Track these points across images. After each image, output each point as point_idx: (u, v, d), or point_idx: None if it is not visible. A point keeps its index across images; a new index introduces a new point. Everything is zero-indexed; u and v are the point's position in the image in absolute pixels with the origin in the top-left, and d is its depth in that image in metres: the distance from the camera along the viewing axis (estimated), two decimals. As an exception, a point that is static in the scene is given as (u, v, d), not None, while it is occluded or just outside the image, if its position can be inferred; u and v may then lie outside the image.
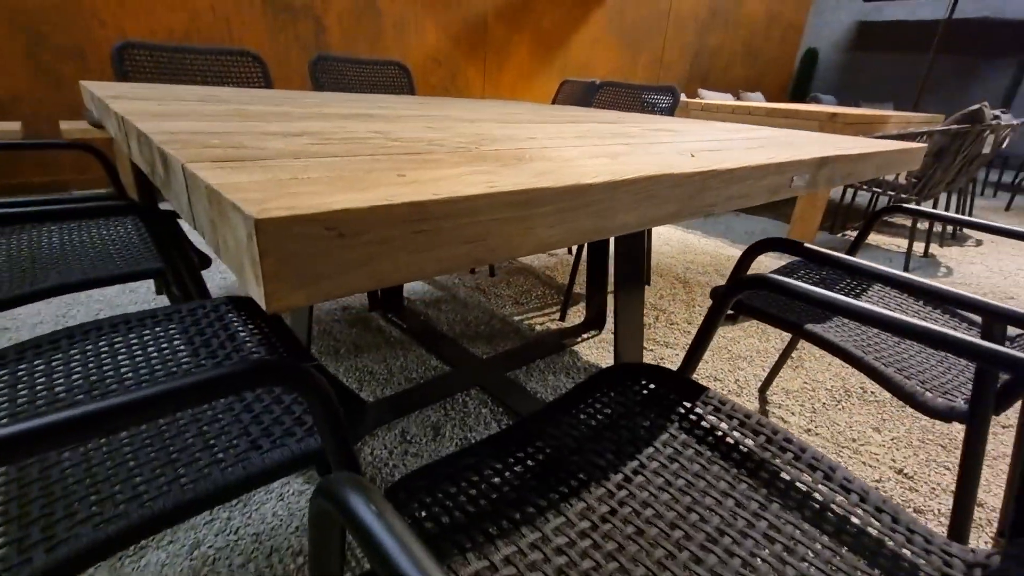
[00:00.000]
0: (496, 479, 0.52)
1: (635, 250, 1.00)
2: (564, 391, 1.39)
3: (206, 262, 1.02)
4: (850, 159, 0.82)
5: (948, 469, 1.22)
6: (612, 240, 2.73)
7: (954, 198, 4.01)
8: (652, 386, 0.69)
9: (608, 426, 0.62)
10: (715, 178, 0.55)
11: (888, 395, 1.49)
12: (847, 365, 1.63)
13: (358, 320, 1.70)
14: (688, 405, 0.66)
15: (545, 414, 0.63)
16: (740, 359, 1.64)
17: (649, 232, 2.10)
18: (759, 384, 1.50)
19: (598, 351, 1.61)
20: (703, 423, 0.63)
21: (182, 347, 0.68)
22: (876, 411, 1.42)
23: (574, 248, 2.55)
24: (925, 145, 1.11)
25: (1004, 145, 2.90)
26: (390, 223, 0.30)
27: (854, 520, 0.51)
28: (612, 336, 1.71)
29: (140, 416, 0.35)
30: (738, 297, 0.74)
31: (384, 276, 0.32)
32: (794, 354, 1.68)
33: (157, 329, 0.71)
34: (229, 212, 0.29)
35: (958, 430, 1.36)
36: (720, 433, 0.61)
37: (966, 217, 1.03)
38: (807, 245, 0.76)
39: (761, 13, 6.69)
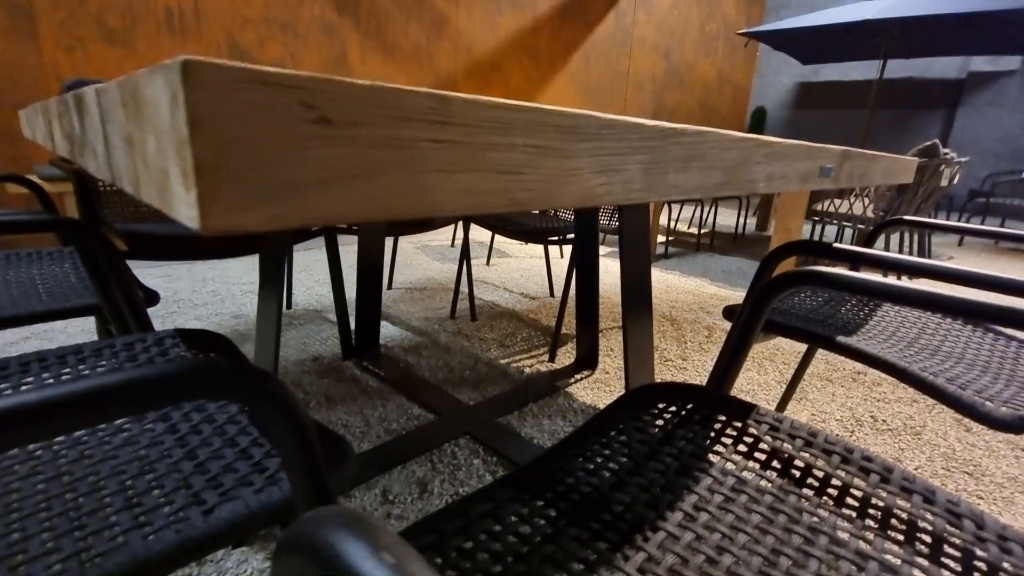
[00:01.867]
0: (524, 528, 0.40)
1: (642, 274, 0.92)
2: (563, 435, 1.26)
3: (153, 299, 0.88)
4: (865, 157, 0.77)
5: (981, 499, 1.13)
6: (601, 263, 2.64)
7: (915, 235, 4.16)
8: (690, 406, 0.59)
9: (649, 455, 0.50)
10: (759, 148, 0.47)
11: (901, 423, 1.42)
12: (851, 395, 1.56)
13: (330, 370, 1.54)
14: (739, 425, 0.55)
15: (570, 445, 0.51)
16: (741, 394, 1.54)
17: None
18: (767, 418, 1.40)
19: (593, 391, 1.49)
20: (762, 445, 0.52)
21: (111, 386, 0.55)
22: (892, 440, 1.33)
23: (558, 289, 2.47)
24: (918, 159, 1.09)
25: (955, 181, 3.04)
26: (400, 116, 0.20)
27: (979, 554, 0.40)
28: (606, 376, 1.60)
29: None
30: (779, 298, 0.65)
31: (389, 202, 0.21)
32: (798, 385, 1.60)
33: (81, 368, 0.57)
34: (146, 88, 0.19)
35: (981, 455, 1.28)
36: (786, 456, 0.50)
37: (969, 225, 1.00)
38: (837, 245, 0.68)
39: (713, 74, 7.15)
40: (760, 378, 1.65)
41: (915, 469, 1.22)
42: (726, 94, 7.53)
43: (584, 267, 1.56)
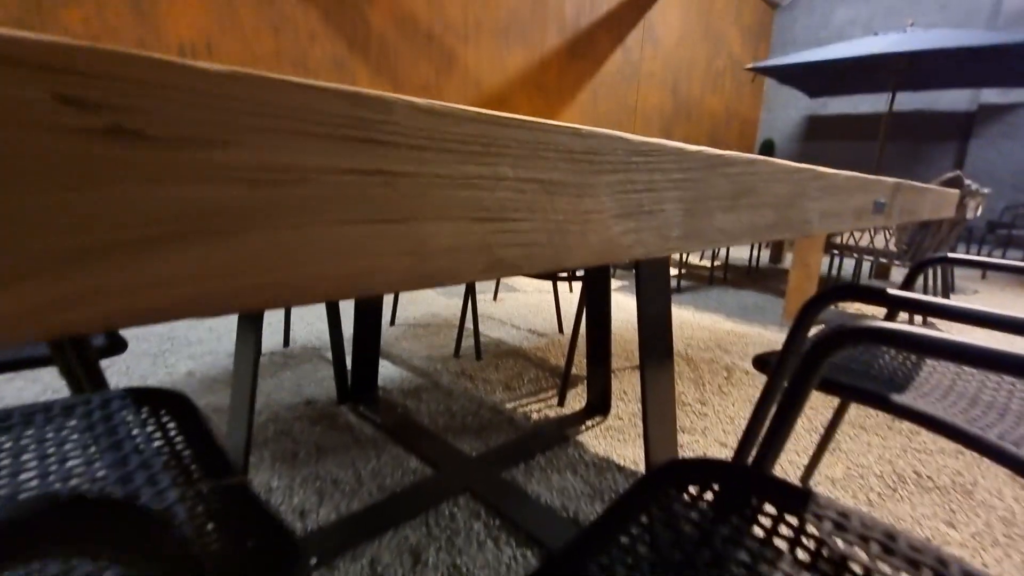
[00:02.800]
0: None
1: (662, 315, 0.83)
2: (573, 493, 1.14)
3: (118, 346, 0.80)
4: (915, 190, 0.68)
5: (1053, 574, 0.99)
6: (615, 307, 2.55)
7: (938, 269, 4.03)
8: (728, 491, 0.48)
9: (686, 561, 0.40)
10: (814, 181, 0.38)
11: (949, 479, 1.28)
12: (889, 445, 1.43)
13: (324, 416, 1.44)
14: (794, 523, 0.44)
15: (586, 546, 0.41)
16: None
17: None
18: (798, 474, 1.27)
19: (606, 441, 1.38)
20: (827, 550, 0.41)
21: (33, 463, 0.46)
22: (940, 500, 1.20)
23: (568, 325, 2.37)
24: (958, 191, 1.00)
25: (979, 213, 2.93)
26: (301, 130, 0.12)
27: None
28: (619, 422, 1.48)
29: None
30: (834, 355, 0.55)
31: (273, 277, 0.12)
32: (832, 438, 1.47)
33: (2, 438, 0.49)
34: None
35: (1045, 521, 1.14)
36: (862, 570, 0.40)
37: (1011, 262, 0.90)
38: (895, 292, 0.59)
39: (720, 108, 7.19)
40: (787, 425, 1.53)
41: (973, 536, 1.08)
42: (734, 127, 7.55)
43: (595, 304, 1.47)
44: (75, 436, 0.50)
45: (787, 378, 0.70)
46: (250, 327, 0.91)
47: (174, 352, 1.86)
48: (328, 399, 1.55)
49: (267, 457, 1.23)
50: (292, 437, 1.32)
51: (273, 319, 2.29)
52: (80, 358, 0.62)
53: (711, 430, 1.47)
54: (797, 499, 0.46)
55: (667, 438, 0.86)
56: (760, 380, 1.86)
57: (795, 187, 0.37)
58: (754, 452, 0.56)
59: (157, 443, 0.50)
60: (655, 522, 0.44)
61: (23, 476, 0.44)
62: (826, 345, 0.48)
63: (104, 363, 1.74)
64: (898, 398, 0.67)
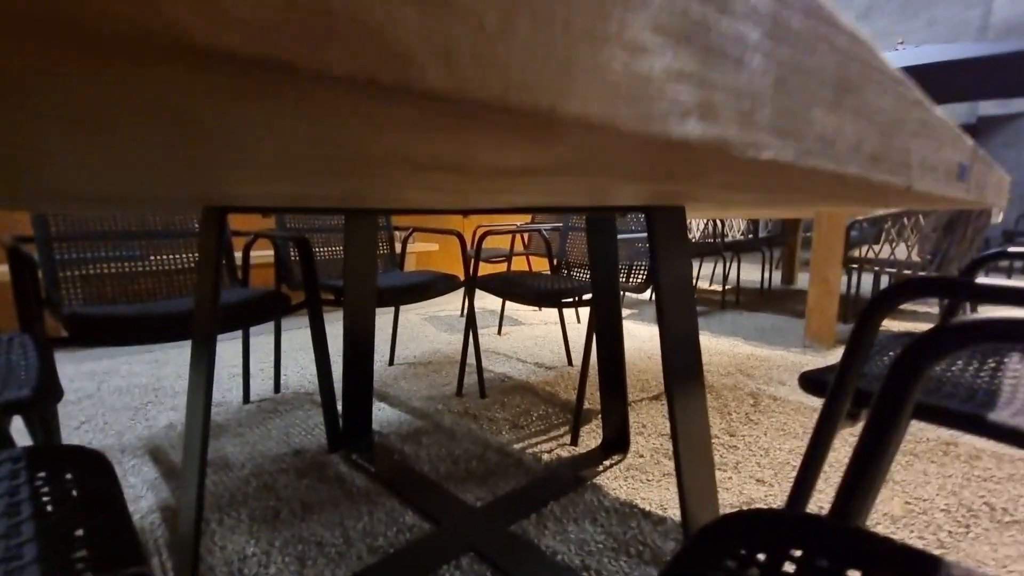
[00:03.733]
0: None
1: (688, 331, 0.70)
2: (594, 546, 0.98)
3: (54, 394, 0.68)
4: (985, 162, 0.57)
5: None
6: (625, 334, 2.42)
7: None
8: (805, 555, 0.35)
9: None
10: (913, 107, 0.27)
11: (1026, 512, 1.11)
12: (949, 474, 1.26)
13: (312, 467, 1.30)
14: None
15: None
16: (793, 470, 1.26)
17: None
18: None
19: (628, 482, 1.22)
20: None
21: None
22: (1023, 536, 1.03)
23: (577, 357, 2.23)
24: (1010, 176, 0.88)
25: (1000, 218, 2.81)
26: None
27: None
28: (641, 460, 1.33)
29: None
30: (936, 366, 0.42)
31: None
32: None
33: None
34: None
35: None
36: None
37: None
38: (984, 281, 0.47)
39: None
40: (828, 456, 1.36)
41: (1070, 581, 0.91)
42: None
43: (605, 331, 1.34)
44: (-71, 516, 0.38)
45: (849, 397, 0.57)
46: (201, 370, 0.79)
47: (157, 404, 1.74)
48: (318, 447, 1.41)
49: (244, 518, 1.08)
50: (275, 493, 1.18)
51: (265, 364, 2.17)
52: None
53: (744, 465, 1.31)
54: (919, 567, 0.33)
55: (704, 479, 0.72)
56: (793, 405, 1.70)
57: (896, 105, 0.25)
58: (810, 499, 0.42)
59: (48, 520, 0.38)
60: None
61: None
62: (930, 350, 0.35)
63: (81, 418, 1.61)
64: (1003, 419, 0.53)
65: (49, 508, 0.40)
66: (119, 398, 1.79)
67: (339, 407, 1.49)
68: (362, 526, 1.06)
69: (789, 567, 0.35)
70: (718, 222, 3.66)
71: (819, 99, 0.17)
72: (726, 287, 4.29)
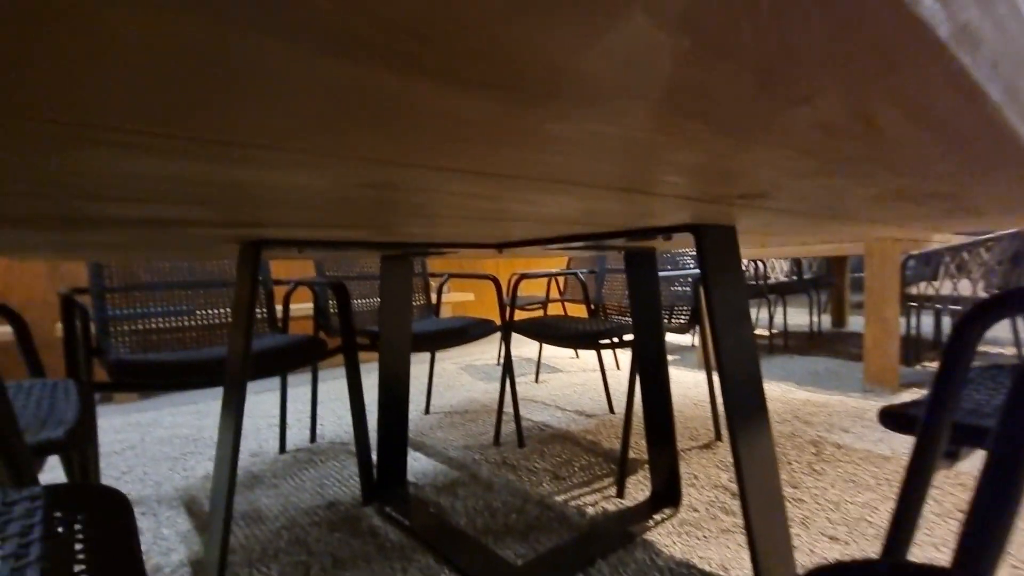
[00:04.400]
0: None
1: (750, 360, 0.64)
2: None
3: (81, 438, 0.67)
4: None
5: None
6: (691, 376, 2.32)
7: (1027, 318, 3.59)
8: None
9: None
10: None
11: None
12: (1059, 532, 1.10)
13: (346, 520, 1.25)
14: None
15: None
16: (873, 528, 1.12)
17: (712, 383, 1.72)
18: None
19: (683, 539, 1.11)
20: None
21: None
22: None
23: (619, 405, 2.13)
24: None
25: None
26: None
27: None
28: (695, 515, 1.22)
29: None
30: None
31: None
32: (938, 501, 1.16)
33: None
34: None
35: None
36: None
37: None
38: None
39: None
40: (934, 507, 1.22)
41: None
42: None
43: (650, 373, 1.27)
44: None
45: (944, 433, 0.50)
46: (230, 423, 0.77)
47: (196, 454, 1.74)
48: (352, 499, 1.36)
49: (274, 573, 1.03)
50: (307, 547, 1.13)
51: (303, 414, 2.16)
52: (6, 451, 0.49)
53: (813, 520, 1.18)
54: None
55: (778, 533, 0.63)
56: (860, 454, 1.55)
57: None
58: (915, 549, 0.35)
59: (53, 564, 0.35)
60: None
61: None
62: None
63: (123, 467, 1.62)
64: None
65: (57, 547, 0.37)
66: (160, 448, 1.80)
67: (374, 456, 1.45)
68: (395, 584, 0.99)
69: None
70: (759, 263, 3.55)
71: None
72: (772, 331, 4.11)
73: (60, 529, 0.39)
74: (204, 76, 0.15)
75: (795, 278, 4.14)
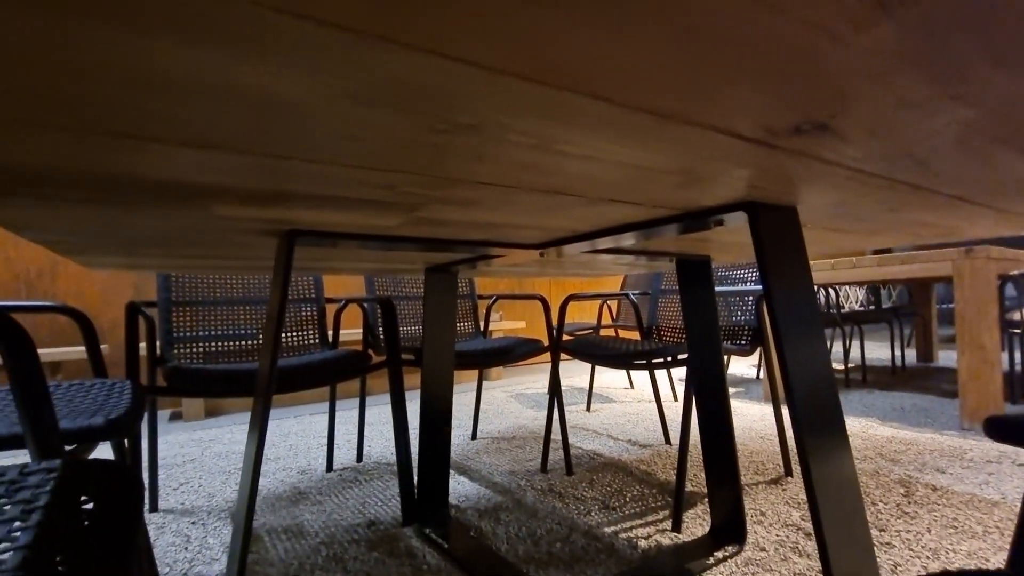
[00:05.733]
0: None
1: (821, 361, 0.56)
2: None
3: (121, 428, 0.68)
4: None
5: None
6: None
7: None
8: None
9: None
10: None
11: None
12: None
13: (384, 539, 1.21)
14: None
15: None
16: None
17: (780, 417, 1.58)
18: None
19: (748, 581, 0.99)
20: None
21: None
22: None
23: (675, 437, 1.99)
24: None
25: None
26: None
27: None
28: (763, 555, 1.09)
29: None
30: None
31: None
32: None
33: None
34: None
35: None
36: None
37: None
38: None
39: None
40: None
41: None
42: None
43: (708, 398, 1.18)
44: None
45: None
46: (256, 434, 0.76)
47: (248, 469, 1.76)
48: (393, 519, 1.32)
49: (309, 590, 1.00)
50: (344, 565, 1.10)
51: (351, 435, 2.17)
52: (35, 433, 0.50)
53: (905, 569, 1.02)
54: None
55: (863, 566, 0.54)
56: (962, 498, 1.35)
57: None
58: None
59: (47, 529, 0.34)
60: None
61: None
62: None
63: (181, 479, 1.67)
64: None
65: (60, 516, 0.36)
66: (216, 463, 1.85)
67: (415, 478, 1.42)
68: (430, 609, 0.93)
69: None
70: (831, 291, 3.31)
71: None
72: (848, 364, 3.78)
73: (69, 500, 0.38)
74: None
75: (872, 307, 3.82)
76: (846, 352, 3.22)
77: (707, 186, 0.47)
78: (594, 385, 3.26)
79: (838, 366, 3.78)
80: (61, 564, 0.29)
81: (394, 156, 0.38)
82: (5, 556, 0.29)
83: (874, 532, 1.18)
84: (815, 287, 3.31)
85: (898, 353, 4.11)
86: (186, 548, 1.19)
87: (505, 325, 3.73)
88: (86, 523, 0.35)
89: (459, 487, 1.53)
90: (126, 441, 1.14)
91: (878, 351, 4.51)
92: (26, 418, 0.49)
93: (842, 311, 3.44)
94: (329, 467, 1.74)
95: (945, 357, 3.96)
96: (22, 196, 0.46)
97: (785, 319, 0.59)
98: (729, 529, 1.17)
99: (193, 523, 1.33)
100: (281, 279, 0.62)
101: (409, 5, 0.19)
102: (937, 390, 2.81)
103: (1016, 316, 2.23)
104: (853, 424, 2.13)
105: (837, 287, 3.39)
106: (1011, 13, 0.22)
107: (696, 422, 1.20)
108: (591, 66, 0.25)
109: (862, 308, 3.72)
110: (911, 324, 4.42)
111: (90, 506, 0.37)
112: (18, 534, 0.31)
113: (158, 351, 1.34)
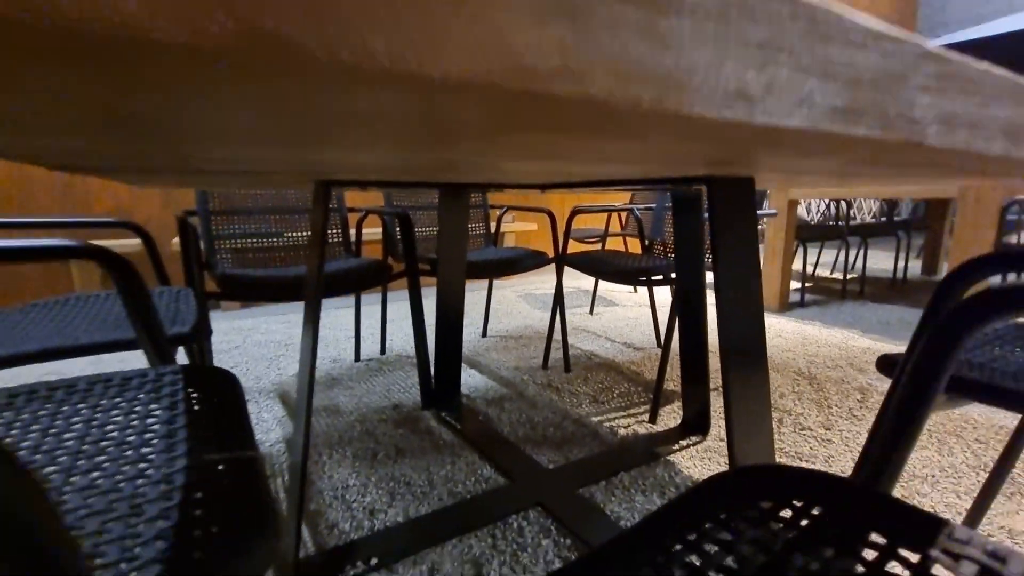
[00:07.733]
0: None
1: (753, 331, 0.69)
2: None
3: (201, 333, 0.85)
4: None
5: None
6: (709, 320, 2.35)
7: None
8: (822, 510, 0.36)
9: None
10: (922, 62, 0.27)
11: None
12: (1100, 494, 1.08)
13: (407, 419, 1.45)
14: (913, 556, 0.32)
15: (634, 543, 0.32)
16: (916, 479, 1.16)
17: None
18: (958, 519, 1.01)
19: (703, 463, 1.21)
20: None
21: (79, 426, 0.48)
22: None
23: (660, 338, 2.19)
24: None
25: None
26: None
27: None
28: (720, 444, 1.31)
29: None
30: (973, 339, 0.40)
31: None
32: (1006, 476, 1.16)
33: (77, 403, 0.52)
34: None
35: None
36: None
37: None
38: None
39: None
40: (941, 460, 1.24)
41: None
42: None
43: (688, 312, 1.32)
44: (123, 404, 0.52)
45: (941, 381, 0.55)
46: (309, 331, 0.93)
47: (287, 357, 2.02)
48: (414, 404, 1.56)
49: (349, 455, 1.25)
50: (375, 438, 1.35)
51: (375, 329, 2.41)
52: (152, 340, 0.67)
53: (837, 459, 1.24)
54: (916, 526, 0.33)
55: (759, 441, 0.71)
56: (905, 404, 1.54)
57: (889, 62, 0.26)
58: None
59: (191, 415, 0.51)
60: (718, 530, 0.34)
61: (66, 436, 0.46)
62: (960, 319, 0.34)
63: (230, 363, 1.93)
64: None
65: (196, 407, 0.53)
66: (258, 350, 2.11)
67: (432, 370, 1.64)
68: (445, 473, 1.17)
69: (806, 519, 0.37)
70: (842, 203, 3.32)
71: (743, 53, 0.20)
72: (847, 276, 3.89)
73: (194, 394, 0.55)
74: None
75: (884, 220, 3.83)
76: (846, 263, 3.32)
77: (671, 167, 0.56)
78: (599, 289, 3.44)
79: (837, 276, 3.89)
80: (215, 441, 0.45)
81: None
82: (177, 440, 0.46)
83: (820, 430, 1.38)
84: (827, 201, 3.27)
85: (901, 265, 4.18)
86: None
87: (518, 227, 3.84)
88: (209, 415, 0.52)
89: (470, 379, 1.77)
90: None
91: (886, 262, 4.58)
92: (144, 332, 0.65)
93: (851, 224, 3.47)
94: (357, 357, 1.99)
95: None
96: (123, 172, 0.58)
97: (725, 276, 0.71)
98: (697, 423, 1.38)
99: (248, 400, 1.59)
100: (321, 220, 0.75)
101: None
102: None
103: (1014, 239, 2.28)
104: (834, 335, 2.31)
105: (848, 200, 3.39)
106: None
107: (678, 333, 1.37)
108: None
109: (873, 220, 3.73)
110: (924, 237, 4.43)
111: (206, 403, 0.54)
112: (180, 431, 0.48)
113: (203, 258, 1.50)
